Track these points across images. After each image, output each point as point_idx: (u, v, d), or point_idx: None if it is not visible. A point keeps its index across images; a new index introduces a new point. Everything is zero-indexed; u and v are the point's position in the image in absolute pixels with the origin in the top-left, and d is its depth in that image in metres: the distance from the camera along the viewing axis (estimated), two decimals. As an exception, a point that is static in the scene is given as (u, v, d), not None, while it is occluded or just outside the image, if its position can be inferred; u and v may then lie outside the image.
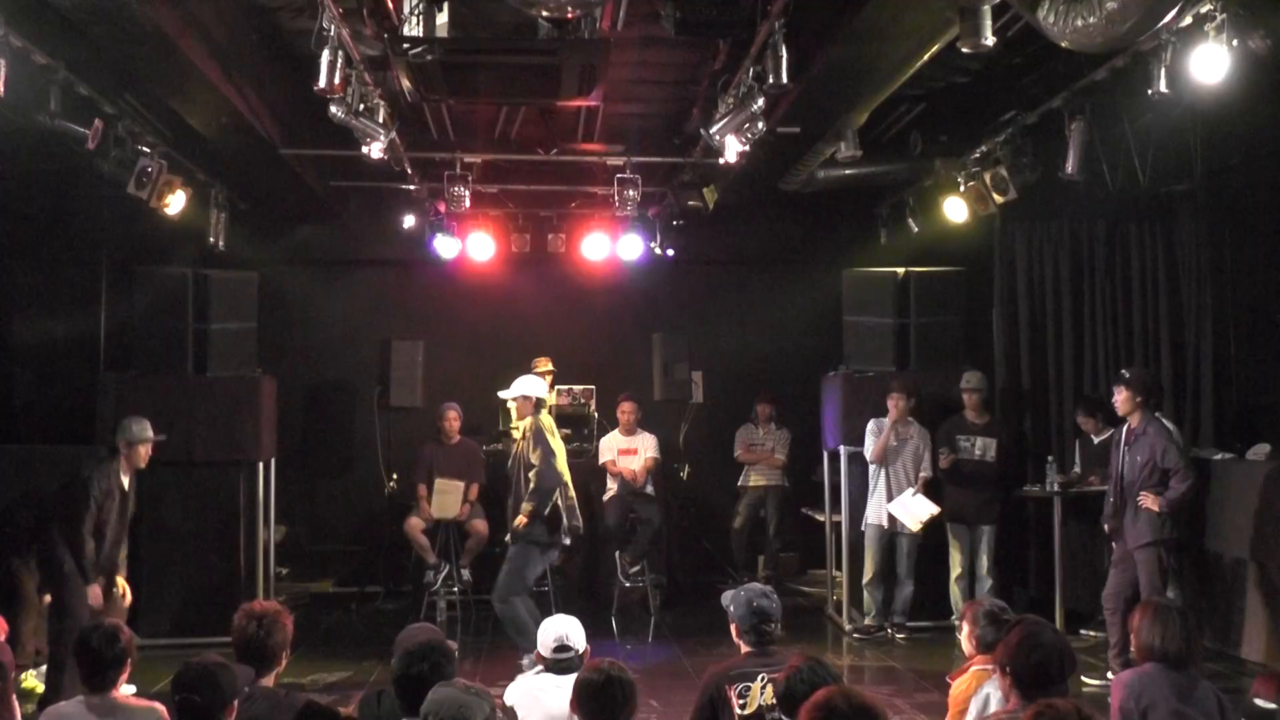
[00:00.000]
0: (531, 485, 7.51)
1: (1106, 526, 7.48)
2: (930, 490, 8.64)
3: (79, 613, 6.68)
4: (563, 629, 4.66)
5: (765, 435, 10.84)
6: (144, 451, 7.12)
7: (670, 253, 11.06)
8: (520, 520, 7.52)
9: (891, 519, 8.63)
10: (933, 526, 8.65)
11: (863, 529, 8.88)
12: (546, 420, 7.76)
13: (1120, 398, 7.30)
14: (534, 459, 7.55)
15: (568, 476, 7.72)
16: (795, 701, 3.36)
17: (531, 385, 7.78)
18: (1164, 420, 7.95)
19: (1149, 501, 7.07)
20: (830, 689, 3.06)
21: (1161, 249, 9.09)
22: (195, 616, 8.26)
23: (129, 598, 7.18)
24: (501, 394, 8.02)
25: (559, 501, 7.53)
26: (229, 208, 9.65)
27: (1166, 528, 7.11)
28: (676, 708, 6.44)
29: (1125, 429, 7.35)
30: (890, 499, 8.62)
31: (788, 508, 10.80)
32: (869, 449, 8.71)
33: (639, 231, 10.49)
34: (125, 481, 7.09)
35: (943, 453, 8.54)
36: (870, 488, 8.82)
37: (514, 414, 8.08)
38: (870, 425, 8.73)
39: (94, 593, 6.73)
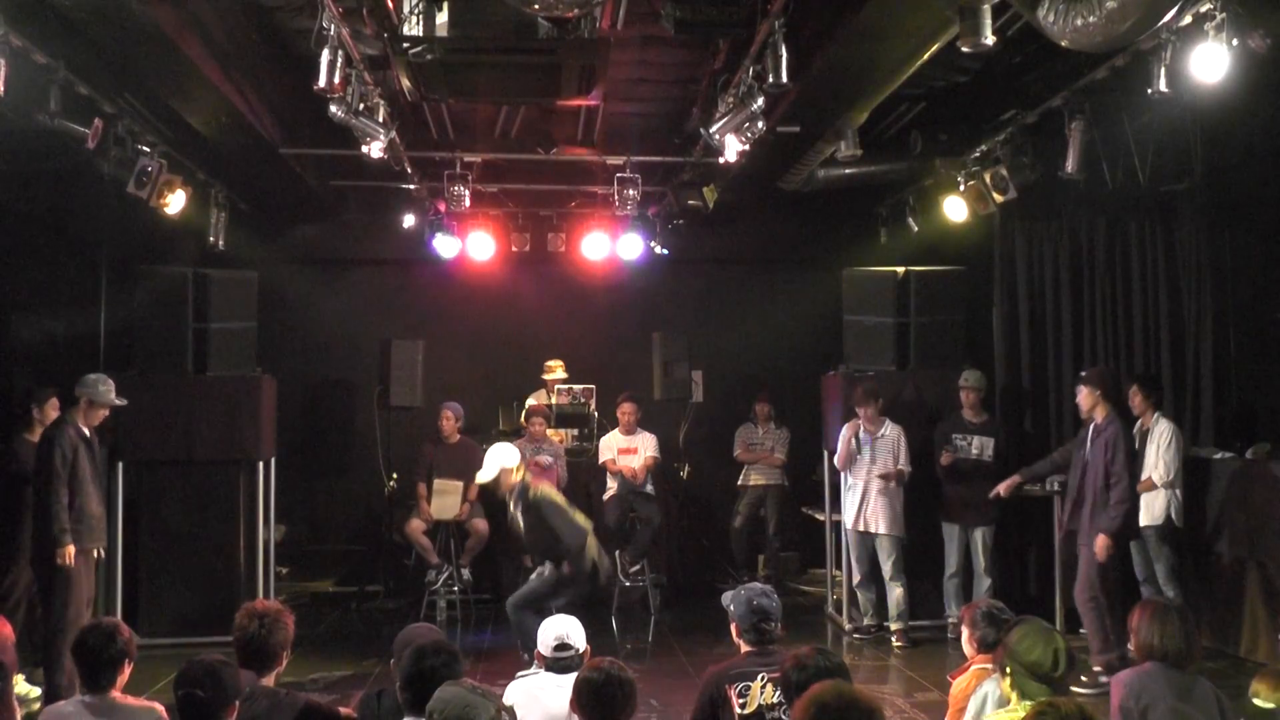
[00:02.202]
0: (567, 548, 7.20)
1: (1064, 526, 7.55)
2: (926, 486, 8.63)
3: (70, 609, 6.68)
4: (563, 629, 4.66)
5: (765, 434, 10.84)
6: (103, 412, 7.13)
7: (664, 251, 11.03)
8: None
9: (862, 520, 8.58)
10: (927, 527, 8.66)
11: (843, 534, 8.90)
12: (542, 487, 7.39)
13: (1081, 396, 7.41)
14: (538, 519, 7.15)
15: (583, 521, 7.41)
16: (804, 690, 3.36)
17: (506, 457, 7.27)
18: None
19: (1099, 549, 7.13)
20: (823, 684, 3.07)
21: (1161, 249, 9.08)
22: (195, 616, 8.25)
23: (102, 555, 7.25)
24: (481, 479, 7.36)
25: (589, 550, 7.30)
26: (229, 207, 9.65)
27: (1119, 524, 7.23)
28: (676, 708, 6.44)
29: (1091, 427, 7.43)
30: (862, 501, 8.56)
31: (787, 507, 10.80)
32: (839, 456, 8.72)
33: (639, 231, 10.49)
34: (86, 431, 7.06)
35: (947, 449, 8.51)
36: (843, 491, 8.83)
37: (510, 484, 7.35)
38: (844, 430, 8.73)
39: (67, 553, 6.72)
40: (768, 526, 10.80)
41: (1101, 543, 7.14)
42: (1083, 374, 7.68)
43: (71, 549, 6.76)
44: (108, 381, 7.15)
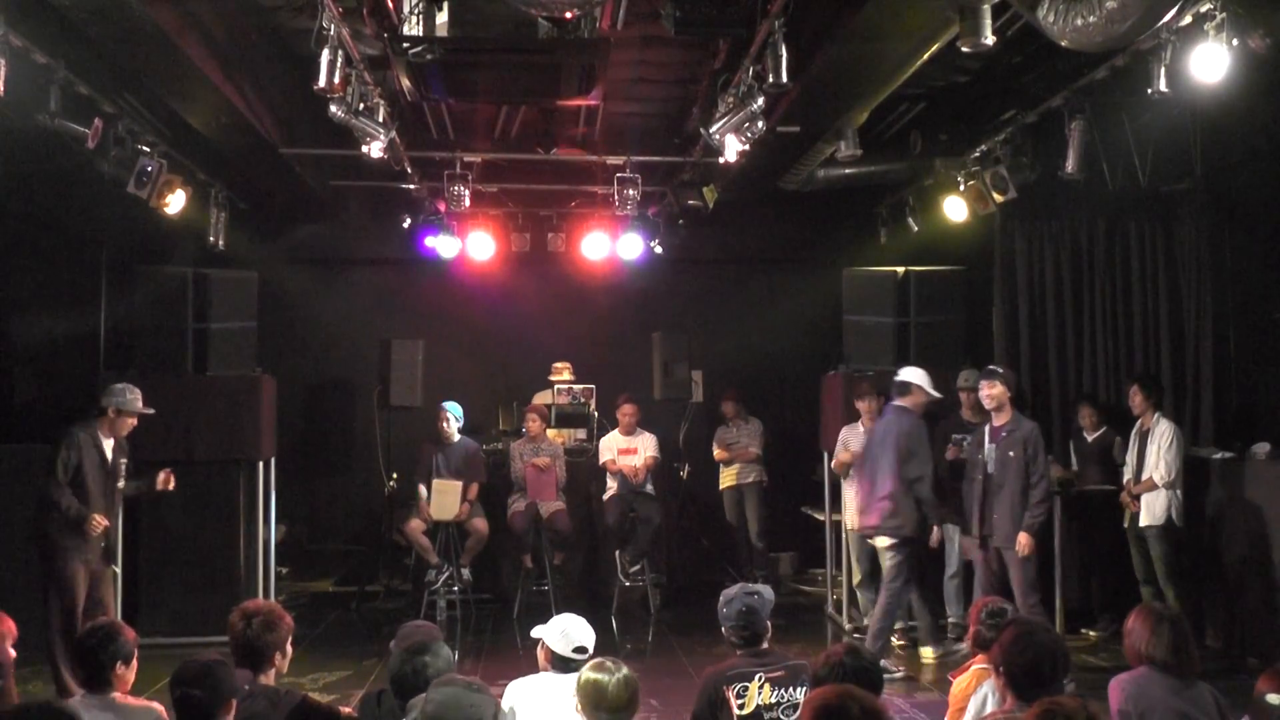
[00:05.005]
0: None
1: (975, 533, 7.53)
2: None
3: (61, 614, 6.65)
4: (581, 631, 4.57)
5: (739, 432, 10.70)
6: (131, 421, 7.10)
7: (659, 249, 10.98)
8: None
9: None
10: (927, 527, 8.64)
11: (843, 534, 8.88)
12: None
13: (994, 391, 7.43)
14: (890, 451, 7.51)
15: None
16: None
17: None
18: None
19: (1022, 545, 7.17)
20: (830, 686, 3.06)
21: (1161, 249, 9.08)
22: (195, 616, 8.24)
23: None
24: (910, 377, 7.79)
25: None
26: (229, 207, 9.64)
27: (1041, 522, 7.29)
28: (676, 708, 6.44)
29: (989, 427, 7.48)
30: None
31: (767, 505, 10.56)
32: (835, 461, 8.71)
33: (639, 231, 10.49)
34: (107, 447, 7.01)
35: (953, 443, 8.48)
36: (843, 491, 8.80)
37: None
38: (842, 434, 8.72)
39: (96, 521, 6.69)
40: (749, 530, 10.53)
41: (1024, 541, 7.19)
42: (993, 369, 7.67)
43: (98, 516, 6.72)
44: (134, 390, 7.10)
